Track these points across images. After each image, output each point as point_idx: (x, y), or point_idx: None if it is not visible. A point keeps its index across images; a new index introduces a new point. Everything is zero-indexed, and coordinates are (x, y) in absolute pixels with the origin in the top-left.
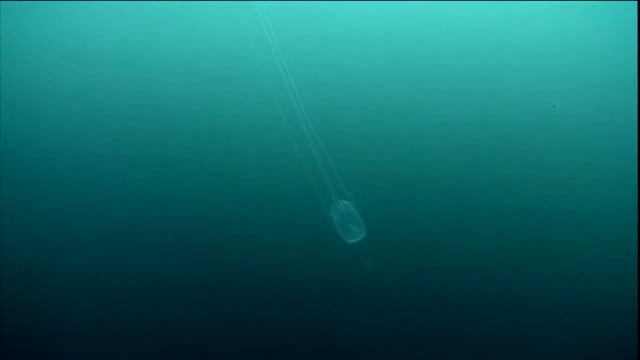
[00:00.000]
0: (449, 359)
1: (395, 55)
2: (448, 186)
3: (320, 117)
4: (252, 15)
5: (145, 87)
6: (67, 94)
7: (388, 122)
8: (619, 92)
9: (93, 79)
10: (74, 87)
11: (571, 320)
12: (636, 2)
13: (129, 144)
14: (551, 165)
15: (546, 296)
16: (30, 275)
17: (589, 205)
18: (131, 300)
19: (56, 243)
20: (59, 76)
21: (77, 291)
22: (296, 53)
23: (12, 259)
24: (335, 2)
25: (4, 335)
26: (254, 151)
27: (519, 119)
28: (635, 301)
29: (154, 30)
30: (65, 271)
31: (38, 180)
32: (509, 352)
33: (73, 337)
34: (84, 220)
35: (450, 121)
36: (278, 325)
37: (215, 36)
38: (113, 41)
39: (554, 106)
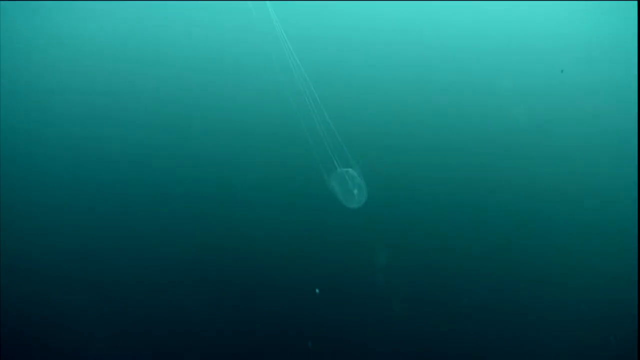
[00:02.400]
0: None
1: (402, 52)
2: (450, 187)
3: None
4: (263, 13)
5: (154, 84)
6: (74, 91)
7: (394, 118)
8: (618, 93)
9: (102, 75)
10: (82, 84)
11: (571, 325)
12: (636, 2)
13: (138, 141)
14: (550, 168)
15: (545, 300)
16: (30, 271)
17: (589, 208)
18: (135, 297)
19: (57, 239)
20: (63, 72)
21: (80, 288)
22: (307, 47)
23: (12, 256)
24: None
25: (3, 332)
26: (263, 143)
27: (518, 120)
28: (636, 304)
29: (160, 28)
30: (66, 268)
31: (39, 176)
32: (509, 354)
33: (73, 334)
34: (87, 216)
35: (456, 119)
36: (279, 321)
37: (227, 34)
38: (125, 38)
39: (562, 71)
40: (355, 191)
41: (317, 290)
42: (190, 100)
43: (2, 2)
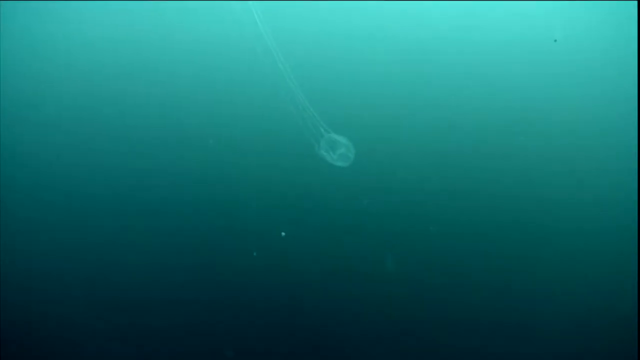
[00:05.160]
0: None
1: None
2: (447, 190)
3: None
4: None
5: (148, 89)
6: (75, 93)
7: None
8: (618, 93)
9: (91, 83)
10: (82, 87)
11: (570, 327)
12: (636, 2)
13: (136, 145)
14: (548, 169)
15: (545, 301)
16: (30, 276)
17: (589, 209)
18: (136, 301)
19: (57, 244)
20: (64, 75)
21: (79, 293)
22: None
23: (11, 260)
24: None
25: (3, 337)
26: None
27: (516, 121)
28: (636, 304)
29: (153, 31)
30: (66, 272)
31: (39, 180)
32: (509, 353)
33: (73, 340)
34: (86, 220)
35: (454, 120)
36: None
37: (218, 37)
38: (109, 42)
39: (555, 40)
40: (343, 150)
41: (282, 234)
42: (181, 102)
43: (2, 2)
